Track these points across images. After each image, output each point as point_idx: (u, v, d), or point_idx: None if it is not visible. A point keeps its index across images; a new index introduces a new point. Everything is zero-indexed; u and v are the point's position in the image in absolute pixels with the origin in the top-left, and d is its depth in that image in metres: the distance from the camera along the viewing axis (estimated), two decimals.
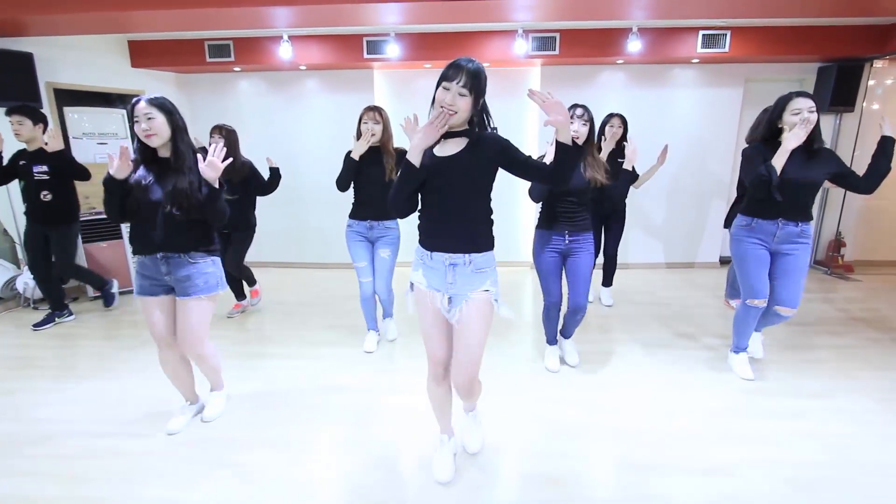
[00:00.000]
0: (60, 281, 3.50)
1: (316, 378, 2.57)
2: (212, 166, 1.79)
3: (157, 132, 1.78)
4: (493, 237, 1.56)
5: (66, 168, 3.15)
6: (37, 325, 3.27)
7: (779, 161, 2.10)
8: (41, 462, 1.90)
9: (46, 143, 3.03)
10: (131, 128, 1.82)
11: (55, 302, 3.40)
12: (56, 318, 3.37)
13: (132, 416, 2.21)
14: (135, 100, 1.78)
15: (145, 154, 1.84)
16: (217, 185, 1.83)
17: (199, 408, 2.19)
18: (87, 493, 1.72)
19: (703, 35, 3.98)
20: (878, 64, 4.25)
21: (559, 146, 1.44)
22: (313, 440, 2.02)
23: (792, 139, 2.06)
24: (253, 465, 1.86)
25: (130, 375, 2.64)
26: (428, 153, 1.47)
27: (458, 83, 1.36)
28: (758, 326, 2.59)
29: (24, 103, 3.26)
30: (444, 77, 1.39)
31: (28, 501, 1.69)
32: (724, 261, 4.87)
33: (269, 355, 2.87)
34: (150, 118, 1.76)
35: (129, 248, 4.00)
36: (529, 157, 1.51)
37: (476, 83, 1.38)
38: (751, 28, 3.97)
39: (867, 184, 2.15)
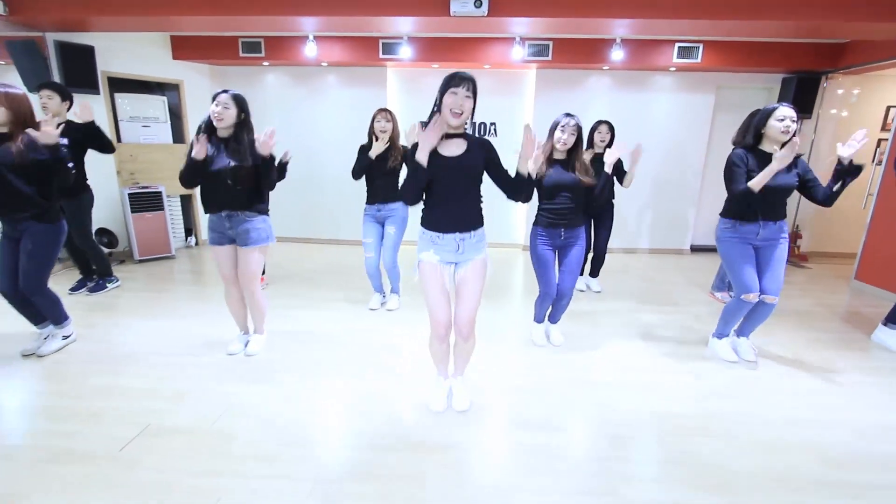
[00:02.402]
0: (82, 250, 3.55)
1: (335, 323, 3.15)
2: (264, 146, 2.32)
3: (225, 119, 2.30)
4: (482, 213, 1.96)
5: (94, 138, 3.25)
6: (71, 289, 3.56)
7: (761, 181, 2.28)
8: (129, 367, 2.48)
9: (77, 114, 3.14)
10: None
11: (84, 268, 3.64)
12: (88, 283, 3.62)
13: (195, 343, 2.78)
14: (222, 89, 2.31)
15: (210, 129, 2.35)
16: (269, 157, 2.36)
17: (249, 338, 2.76)
18: (172, 387, 2.30)
19: (679, 47, 4.51)
20: (832, 77, 4.78)
21: (519, 175, 1.86)
22: (335, 364, 2.59)
23: (777, 163, 2.22)
24: (291, 377, 2.43)
25: (185, 317, 3.22)
26: (434, 155, 1.80)
27: (464, 89, 1.75)
28: (746, 330, 2.71)
29: (53, 80, 3.62)
30: (452, 84, 1.75)
31: (126, 389, 2.26)
32: (694, 248, 5.44)
33: (296, 307, 3.44)
34: (226, 108, 2.29)
35: (169, 218, 4.59)
36: (506, 170, 1.91)
37: (475, 89, 1.79)
38: (721, 42, 4.51)
39: (827, 200, 2.34)
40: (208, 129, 2.36)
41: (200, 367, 2.51)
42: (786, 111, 2.31)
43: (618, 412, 2.16)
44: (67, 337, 2.72)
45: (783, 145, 2.36)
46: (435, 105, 1.84)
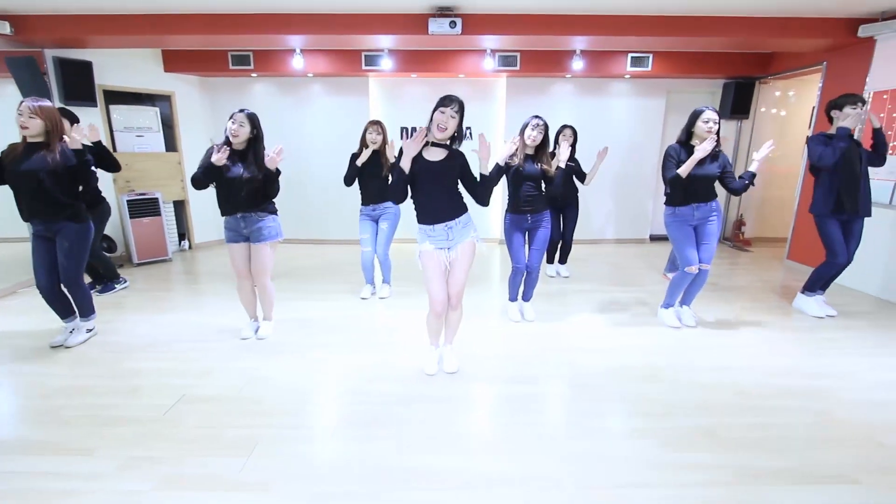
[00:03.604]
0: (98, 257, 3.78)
1: (333, 310, 3.51)
2: (272, 161, 2.66)
3: (240, 136, 2.63)
4: (465, 203, 2.32)
5: (101, 158, 3.45)
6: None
7: (688, 167, 2.76)
8: (153, 353, 2.78)
9: (86, 135, 3.14)
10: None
11: (92, 273, 3.85)
12: (96, 286, 3.83)
13: (207, 332, 3.09)
14: (239, 109, 2.64)
15: (228, 142, 2.67)
16: (275, 171, 2.71)
17: (258, 325, 3.08)
18: (196, 367, 2.61)
19: (631, 57, 5.05)
20: (765, 82, 5.43)
21: (482, 175, 2.26)
22: (338, 342, 2.95)
23: (700, 152, 2.72)
24: (301, 355, 2.78)
25: (192, 311, 3.52)
26: (420, 160, 2.18)
27: (451, 109, 2.11)
28: (687, 299, 3.20)
29: (62, 106, 3.87)
30: (442, 104, 2.12)
31: (156, 370, 2.56)
32: (653, 237, 6.01)
33: (296, 299, 3.77)
34: (241, 125, 2.62)
35: (166, 224, 4.82)
36: (474, 178, 2.28)
37: (462, 111, 2.16)
38: (668, 53, 5.07)
39: (737, 191, 2.91)
40: (226, 143, 2.67)
41: (218, 350, 2.83)
42: (710, 115, 2.82)
43: (581, 368, 2.61)
44: (90, 330, 2.98)
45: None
46: (430, 120, 2.20)
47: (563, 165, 3.04)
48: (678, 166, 2.86)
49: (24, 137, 2.58)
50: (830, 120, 3.18)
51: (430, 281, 2.35)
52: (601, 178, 5.63)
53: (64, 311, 2.87)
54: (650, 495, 1.67)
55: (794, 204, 4.84)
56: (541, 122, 2.94)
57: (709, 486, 1.71)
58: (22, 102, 2.50)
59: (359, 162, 3.44)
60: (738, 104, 5.40)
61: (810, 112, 5.66)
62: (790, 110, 5.73)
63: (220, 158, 2.57)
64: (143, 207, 4.65)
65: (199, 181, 2.66)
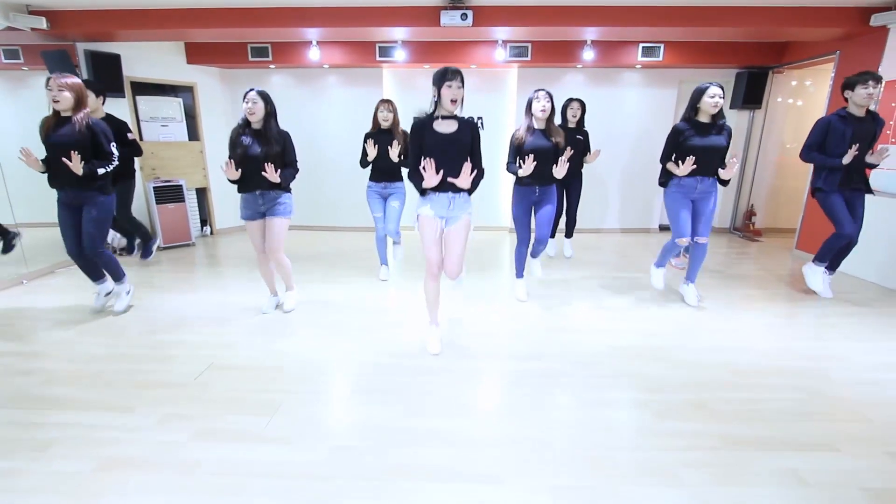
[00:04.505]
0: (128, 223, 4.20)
1: (347, 293, 3.68)
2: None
3: (256, 113, 2.79)
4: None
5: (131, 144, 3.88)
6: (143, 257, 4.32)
7: (671, 169, 3.14)
8: (183, 327, 2.99)
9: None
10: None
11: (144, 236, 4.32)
12: (137, 252, 4.31)
13: (231, 310, 3.30)
14: (249, 89, 2.79)
15: (248, 124, 2.84)
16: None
17: (279, 300, 3.29)
18: (223, 340, 2.82)
19: (643, 47, 5.07)
20: (778, 71, 5.39)
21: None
22: (353, 322, 3.13)
23: (682, 171, 3.02)
24: (318, 332, 2.96)
25: (216, 291, 3.74)
26: (432, 132, 2.34)
27: (457, 82, 2.27)
28: (691, 276, 3.34)
29: (89, 79, 4.15)
30: (446, 79, 2.25)
31: (186, 342, 2.77)
32: (661, 227, 6.06)
33: (311, 282, 3.95)
34: (255, 103, 2.77)
35: (189, 209, 5.06)
36: (479, 153, 2.43)
37: (463, 79, 2.30)
38: (679, 43, 5.08)
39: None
40: (244, 124, 2.85)
41: (241, 326, 3.03)
42: (715, 90, 2.92)
43: (583, 347, 2.74)
44: (129, 292, 3.25)
45: (713, 118, 3.01)
46: (433, 96, 2.34)
47: (559, 176, 3.05)
48: (685, 144, 2.99)
49: (57, 112, 2.78)
50: (846, 100, 3.20)
51: (426, 242, 2.50)
52: (611, 168, 5.73)
53: (95, 274, 3.11)
54: (635, 457, 1.80)
55: (804, 194, 4.84)
56: (543, 92, 3.01)
57: (693, 450, 1.84)
58: (50, 78, 2.69)
59: (370, 157, 3.55)
60: (750, 94, 5.39)
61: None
62: (807, 100, 5.68)
63: (230, 174, 2.78)
64: (169, 194, 4.89)
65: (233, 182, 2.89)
